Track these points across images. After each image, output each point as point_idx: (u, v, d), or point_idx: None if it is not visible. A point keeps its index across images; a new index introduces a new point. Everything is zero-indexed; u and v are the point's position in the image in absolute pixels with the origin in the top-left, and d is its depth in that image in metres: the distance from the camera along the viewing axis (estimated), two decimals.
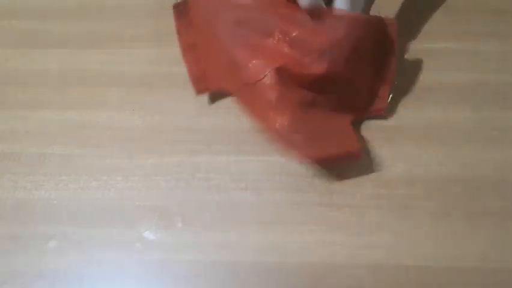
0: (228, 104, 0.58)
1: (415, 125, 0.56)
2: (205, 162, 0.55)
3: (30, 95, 0.60)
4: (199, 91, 0.57)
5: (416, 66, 0.60)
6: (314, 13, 0.50)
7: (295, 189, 0.53)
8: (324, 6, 0.51)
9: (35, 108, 0.59)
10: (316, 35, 0.50)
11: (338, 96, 0.54)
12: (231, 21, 0.53)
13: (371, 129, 0.56)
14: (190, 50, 0.58)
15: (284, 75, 0.50)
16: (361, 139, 0.55)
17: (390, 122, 0.57)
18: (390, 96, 0.57)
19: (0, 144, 0.57)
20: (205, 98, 0.59)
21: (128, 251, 0.51)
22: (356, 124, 0.56)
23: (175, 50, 0.60)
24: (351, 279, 0.49)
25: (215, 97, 0.59)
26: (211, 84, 0.57)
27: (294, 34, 0.51)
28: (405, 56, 0.61)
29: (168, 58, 0.61)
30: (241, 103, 0.55)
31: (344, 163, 0.54)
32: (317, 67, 0.50)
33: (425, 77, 0.59)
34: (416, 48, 0.61)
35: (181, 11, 0.57)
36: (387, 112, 0.56)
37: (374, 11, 0.58)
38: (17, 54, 0.63)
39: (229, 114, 0.58)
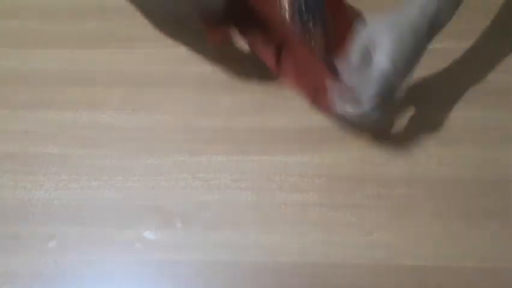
0: (228, 104, 0.58)
1: (415, 125, 0.56)
2: (205, 162, 0.55)
3: (30, 95, 0.60)
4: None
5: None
6: None
7: (295, 189, 0.53)
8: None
9: (35, 108, 0.59)
10: None
11: None
12: None
13: (371, 130, 0.56)
14: None
15: None
16: None
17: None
18: None
19: (0, 144, 0.57)
20: (205, 97, 0.59)
21: (128, 251, 0.51)
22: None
23: (174, 50, 0.60)
24: (351, 279, 0.49)
25: (215, 96, 0.59)
26: None
27: None
28: None
29: (168, 58, 0.61)
30: None
31: None
32: None
33: (425, 77, 0.59)
34: None
35: None
36: None
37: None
38: (17, 54, 0.63)
39: (230, 114, 0.58)
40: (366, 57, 0.44)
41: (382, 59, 0.42)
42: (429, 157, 0.55)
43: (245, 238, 0.51)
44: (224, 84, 0.59)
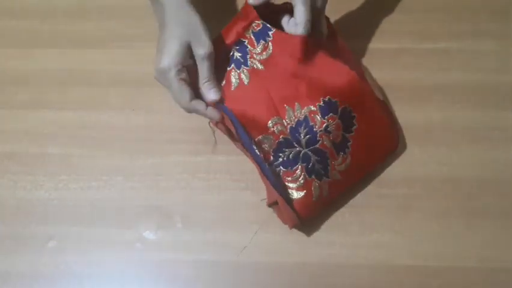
0: None
1: (415, 125, 0.56)
2: (205, 162, 0.55)
3: (30, 95, 0.60)
4: None
5: (416, 66, 0.60)
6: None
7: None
8: None
9: (35, 108, 0.59)
10: None
11: None
12: None
13: None
14: None
15: None
16: None
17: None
18: None
19: (0, 144, 0.57)
20: None
21: (128, 251, 0.51)
22: None
23: None
24: (351, 279, 0.49)
25: None
26: None
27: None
28: (406, 56, 0.61)
29: None
30: None
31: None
32: None
33: (425, 77, 0.59)
34: (416, 48, 0.61)
35: None
36: None
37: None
38: (17, 54, 0.63)
39: None
40: None
41: None
42: (429, 157, 0.55)
43: (245, 238, 0.51)
44: None
